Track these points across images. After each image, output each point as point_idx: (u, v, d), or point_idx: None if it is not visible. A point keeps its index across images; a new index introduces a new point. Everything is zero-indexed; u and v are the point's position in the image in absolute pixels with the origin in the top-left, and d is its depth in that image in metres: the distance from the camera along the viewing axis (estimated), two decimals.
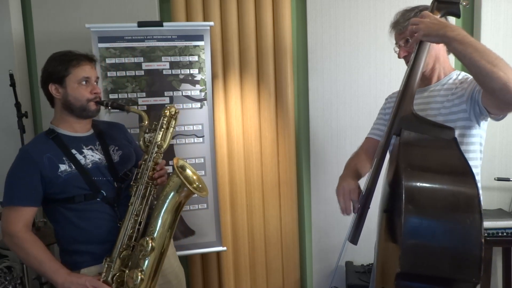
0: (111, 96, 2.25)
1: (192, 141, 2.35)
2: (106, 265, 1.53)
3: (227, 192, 2.59)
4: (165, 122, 1.67)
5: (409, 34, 1.38)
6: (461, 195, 1.13)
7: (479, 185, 1.47)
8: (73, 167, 1.55)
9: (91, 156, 1.61)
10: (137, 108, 2.26)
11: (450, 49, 1.27)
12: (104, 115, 2.20)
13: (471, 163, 1.43)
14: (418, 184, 1.14)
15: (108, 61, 2.23)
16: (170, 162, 2.18)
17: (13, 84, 2.29)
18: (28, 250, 1.51)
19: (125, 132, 1.85)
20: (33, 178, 1.51)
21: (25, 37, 2.67)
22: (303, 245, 2.78)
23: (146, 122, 1.64)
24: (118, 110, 1.72)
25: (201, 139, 2.36)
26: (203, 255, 2.65)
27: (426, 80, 1.56)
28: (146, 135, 1.66)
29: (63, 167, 1.54)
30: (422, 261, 1.09)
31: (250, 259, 2.67)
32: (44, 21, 2.58)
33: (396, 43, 1.58)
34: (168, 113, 1.68)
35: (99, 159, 1.63)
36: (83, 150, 1.61)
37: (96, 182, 1.58)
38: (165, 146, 1.66)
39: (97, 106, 1.62)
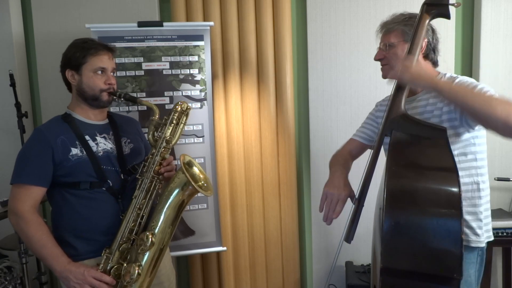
0: None
1: (192, 141, 2.35)
2: (105, 257, 1.52)
3: (227, 192, 2.59)
4: (175, 117, 1.65)
5: (394, 70, 1.37)
6: (442, 193, 1.15)
7: (487, 184, 1.46)
8: (84, 152, 1.55)
9: (103, 144, 1.62)
10: (138, 107, 2.27)
11: (441, 97, 1.27)
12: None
13: (471, 164, 1.42)
14: (399, 182, 1.17)
15: None
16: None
17: (13, 84, 2.29)
18: (32, 232, 1.49)
19: (138, 128, 1.85)
20: (46, 159, 1.51)
21: (25, 37, 2.66)
22: (303, 245, 2.78)
23: (157, 116, 1.63)
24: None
25: (201, 139, 2.36)
26: (203, 255, 2.65)
27: (412, 90, 1.55)
28: (156, 131, 1.64)
29: (74, 151, 1.54)
30: (403, 257, 1.11)
31: (250, 259, 2.67)
32: (44, 21, 2.58)
33: (379, 45, 1.59)
34: (179, 109, 1.66)
35: (111, 148, 1.63)
36: (96, 137, 1.61)
37: (104, 171, 1.58)
38: (173, 141, 1.64)
39: (110, 97, 1.63)
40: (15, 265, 2.37)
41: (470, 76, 2.59)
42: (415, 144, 1.30)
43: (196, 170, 1.65)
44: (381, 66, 1.58)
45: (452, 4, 1.40)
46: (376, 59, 1.58)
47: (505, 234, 2.30)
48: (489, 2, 2.45)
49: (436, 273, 1.09)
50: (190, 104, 1.73)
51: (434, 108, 1.46)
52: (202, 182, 1.64)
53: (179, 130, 1.67)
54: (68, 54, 1.61)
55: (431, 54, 1.52)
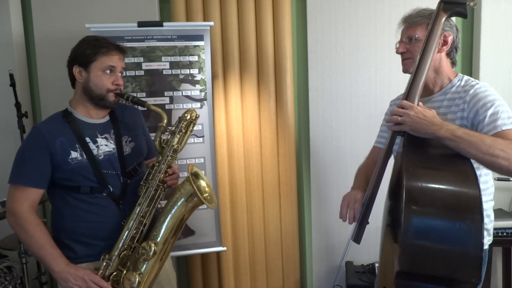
0: None
1: (192, 141, 2.35)
2: (105, 263, 1.51)
3: (227, 192, 2.59)
4: (184, 126, 1.63)
5: (392, 121, 1.33)
6: (462, 195, 1.13)
7: (492, 190, 1.45)
8: (84, 156, 1.53)
9: (104, 146, 1.59)
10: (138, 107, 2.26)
11: (444, 143, 1.25)
12: None
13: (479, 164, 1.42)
14: (418, 183, 1.14)
15: None
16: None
17: (13, 84, 2.29)
18: (30, 233, 1.47)
19: (140, 118, 1.80)
20: (43, 160, 1.49)
21: (25, 37, 2.66)
22: (303, 245, 2.78)
23: (165, 122, 1.59)
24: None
25: (201, 139, 2.36)
26: (203, 255, 2.65)
27: (429, 90, 1.52)
28: (163, 136, 1.62)
29: (74, 154, 1.52)
30: (421, 260, 1.08)
31: (250, 259, 2.67)
32: (44, 21, 2.58)
33: (400, 38, 1.55)
34: (188, 117, 1.64)
35: (113, 149, 1.60)
36: (97, 139, 1.58)
37: (104, 176, 1.55)
38: (180, 149, 1.62)
39: (116, 98, 1.59)
40: (15, 265, 2.37)
41: (470, 76, 2.58)
42: (430, 144, 1.28)
43: (202, 183, 1.63)
44: (402, 60, 1.54)
45: (469, 4, 1.38)
46: (398, 52, 1.53)
47: (505, 234, 2.30)
48: (489, 2, 2.45)
49: (454, 277, 1.07)
50: (199, 113, 1.71)
51: (448, 111, 1.43)
52: (206, 194, 1.63)
53: (186, 138, 1.65)
54: (78, 50, 1.57)
55: (453, 52, 1.50)
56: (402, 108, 1.31)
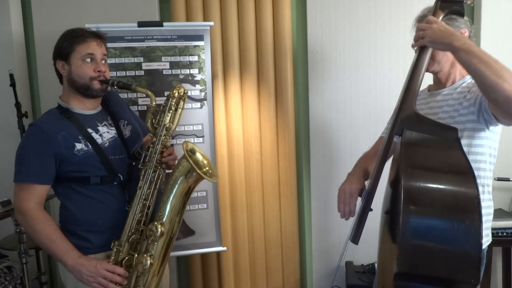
0: None
1: (192, 141, 2.35)
2: (115, 249, 1.53)
3: (227, 192, 2.59)
4: (173, 103, 1.61)
5: (415, 39, 1.36)
6: (461, 196, 1.13)
7: (490, 189, 1.45)
8: (90, 146, 1.53)
9: (107, 133, 1.60)
10: (138, 107, 2.27)
11: (456, 58, 1.26)
12: None
13: (480, 165, 1.42)
14: (417, 184, 1.15)
15: (108, 61, 2.22)
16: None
17: (13, 84, 2.29)
18: (40, 229, 1.48)
19: (122, 100, 1.81)
20: (46, 156, 1.49)
21: (25, 37, 2.66)
22: (303, 245, 2.78)
23: (154, 103, 1.58)
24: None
25: (201, 139, 2.36)
26: (203, 255, 2.65)
27: (441, 84, 1.55)
28: (154, 118, 1.61)
29: (79, 146, 1.52)
30: (420, 262, 1.09)
31: (250, 259, 2.67)
32: (44, 21, 2.58)
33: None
34: (176, 94, 1.62)
35: (115, 134, 1.61)
36: (99, 128, 1.59)
37: (112, 163, 1.56)
38: (173, 128, 1.61)
39: (102, 85, 1.58)
40: (15, 265, 2.37)
41: None
42: (428, 145, 1.28)
43: (199, 156, 1.62)
44: None
45: (465, 2, 1.39)
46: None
47: (505, 234, 2.30)
48: (489, 2, 2.45)
49: (453, 278, 1.08)
50: (187, 90, 1.69)
51: (457, 102, 1.45)
52: (207, 168, 1.61)
53: (178, 116, 1.63)
54: (57, 45, 1.57)
55: None
56: (427, 23, 1.31)
